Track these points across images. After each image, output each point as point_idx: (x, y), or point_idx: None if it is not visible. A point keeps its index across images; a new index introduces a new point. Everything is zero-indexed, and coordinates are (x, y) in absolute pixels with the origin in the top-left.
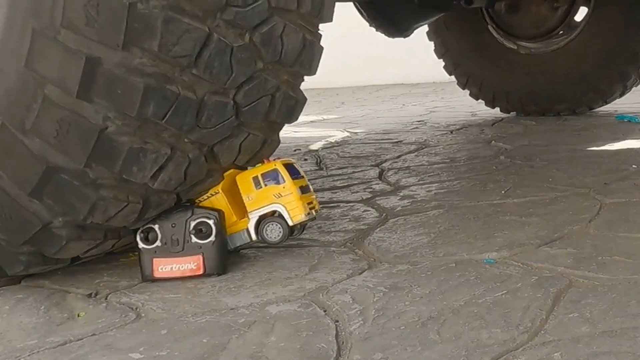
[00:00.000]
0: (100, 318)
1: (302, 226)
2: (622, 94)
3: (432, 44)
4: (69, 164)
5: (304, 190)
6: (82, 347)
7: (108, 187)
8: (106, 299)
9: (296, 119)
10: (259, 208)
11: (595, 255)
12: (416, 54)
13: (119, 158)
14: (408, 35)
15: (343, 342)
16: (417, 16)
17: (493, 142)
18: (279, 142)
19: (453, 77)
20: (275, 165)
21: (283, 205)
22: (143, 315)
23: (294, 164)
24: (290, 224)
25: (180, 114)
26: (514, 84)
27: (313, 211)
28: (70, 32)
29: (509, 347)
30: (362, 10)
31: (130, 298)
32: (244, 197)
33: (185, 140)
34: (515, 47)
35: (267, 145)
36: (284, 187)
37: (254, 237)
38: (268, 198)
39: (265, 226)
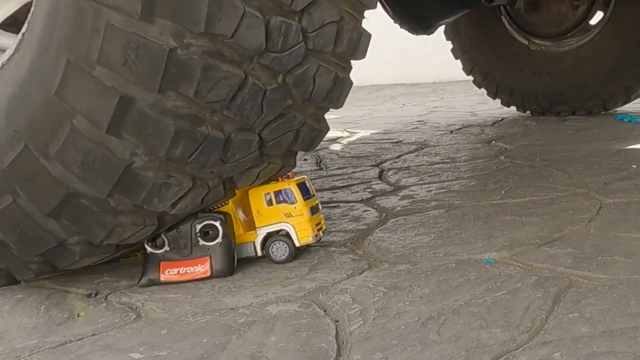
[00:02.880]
0: (100, 318)
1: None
2: (623, 104)
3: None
4: (91, 192)
5: (313, 210)
6: (82, 347)
7: (126, 213)
8: (106, 299)
9: (316, 147)
10: (268, 225)
11: (595, 255)
12: (416, 54)
13: (143, 191)
14: (432, 33)
15: (343, 342)
16: (441, 13)
17: (493, 142)
18: (294, 165)
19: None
20: (289, 184)
21: (292, 226)
22: (143, 315)
23: (306, 182)
24: (297, 245)
25: (207, 152)
26: (519, 80)
27: (320, 232)
28: (106, 70)
29: (509, 347)
30: (388, 7)
31: (130, 298)
32: (254, 212)
33: (208, 172)
34: (527, 43)
35: (283, 170)
36: (295, 208)
37: (259, 252)
38: (278, 216)
39: (272, 244)
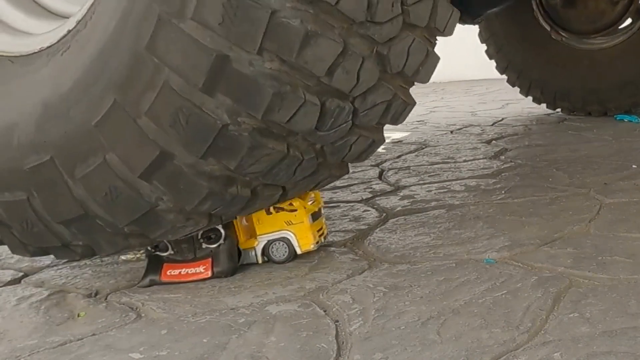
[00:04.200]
0: (100, 318)
1: None
2: None
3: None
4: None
5: (315, 216)
6: (82, 347)
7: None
8: (106, 299)
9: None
10: (269, 233)
11: (595, 255)
12: None
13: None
14: (478, 22)
15: (343, 342)
16: (489, 2)
17: (493, 142)
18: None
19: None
20: None
21: (293, 233)
22: (143, 315)
23: None
24: (299, 252)
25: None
26: (552, 77)
27: (322, 238)
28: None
29: (509, 347)
30: None
31: (130, 298)
32: (254, 219)
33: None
34: (562, 40)
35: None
36: (295, 215)
37: (259, 260)
38: (279, 224)
39: (272, 244)
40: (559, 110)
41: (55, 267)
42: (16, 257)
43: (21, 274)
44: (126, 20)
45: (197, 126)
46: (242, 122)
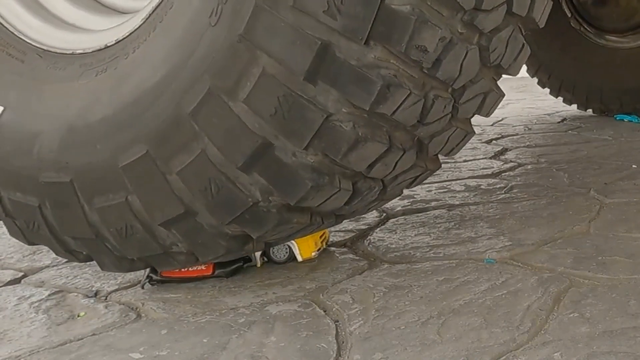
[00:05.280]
0: (100, 318)
1: None
2: None
3: None
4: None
5: None
6: (82, 347)
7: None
8: (106, 299)
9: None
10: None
11: (595, 255)
12: None
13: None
14: None
15: (343, 342)
16: None
17: (493, 141)
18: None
19: None
20: None
21: (294, 241)
22: (143, 315)
23: None
24: (299, 259)
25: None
26: (583, 77)
27: (324, 243)
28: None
29: (509, 347)
30: None
31: (130, 298)
32: None
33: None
34: (592, 38)
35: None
36: None
37: (258, 264)
38: None
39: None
40: (589, 110)
41: (55, 267)
42: (16, 257)
43: (21, 274)
44: (168, 85)
45: (226, 198)
46: (273, 201)
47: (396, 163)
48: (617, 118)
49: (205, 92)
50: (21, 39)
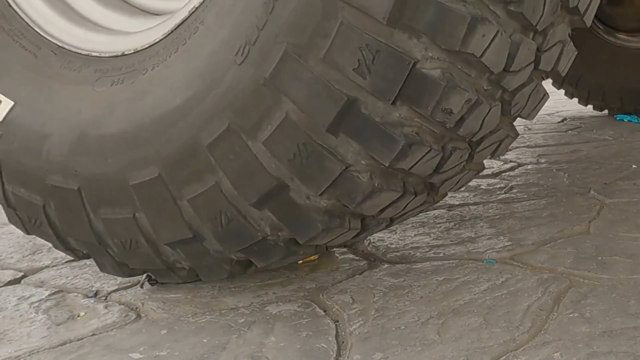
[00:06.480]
0: (100, 318)
1: None
2: None
3: None
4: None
5: None
6: (82, 347)
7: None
8: (106, 299)
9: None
10: None
11: (595, 255)
12: None
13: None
14: None
15: (343, 342)
16: None
17: None
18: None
19: None
20: None
21: None
22: (143, 315)
23: None
24: (299, 262)
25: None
26: (599, 78)
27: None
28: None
29: (509, 347)
30: None
31: (130, 298)
32: None
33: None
34: (607, 38)
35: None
36: None
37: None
38: None
39: None
40: (590, 107)
41: (55, 267)
42: (16, 257)
43: (21, 274)
44: (187, 113)
45: (236, 230)
46: (282, 236)
47: (407, 204)
48: (617, 118)
49: (224, 129)
50: (35, 31)
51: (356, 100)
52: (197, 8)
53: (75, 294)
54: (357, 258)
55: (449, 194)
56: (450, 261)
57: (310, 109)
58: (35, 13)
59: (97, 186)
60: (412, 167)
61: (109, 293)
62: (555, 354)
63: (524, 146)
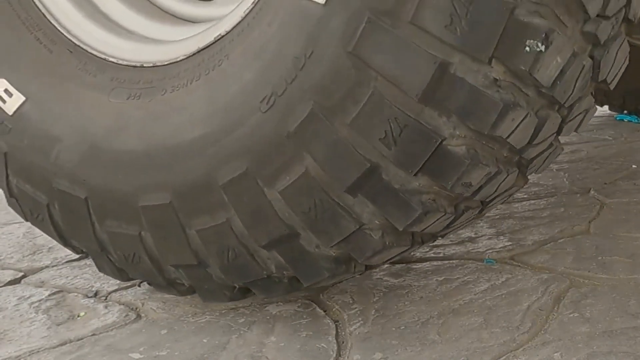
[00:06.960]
0: (100, 318)
1: None
2: None
3: None
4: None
5: None
6: (82, 347)
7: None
8: (106, 299)
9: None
10: None
11: (595, 255)
12: None
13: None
14: None
15: (343, 342)
16: None
17: None
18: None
19: None
20: None
21: None
22: (143, 315)
23: None
24: None
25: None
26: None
27: None
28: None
29: (509, 347)
30: None
31: (130, 298)
32: None
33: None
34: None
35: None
36: None
37: None
38: None
39: None
40: None
41: (55, 267)
42: (16, 257)
43: (21, 274)
44: (205, 148)
45: (241, 266)
46: (287, 275)
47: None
48: (617, 118)
49: (241, 172)
50: (52, 24)
51: (378, 167)
52: (222, 37)
53: (75, 294)
54: None
55: None
56: (450, 261)
57: (331, 169)
58: (53, 5)
59: (105, 199)
60: (424, 229)
61: (109, 293)
62: (555, 354)
63: None
